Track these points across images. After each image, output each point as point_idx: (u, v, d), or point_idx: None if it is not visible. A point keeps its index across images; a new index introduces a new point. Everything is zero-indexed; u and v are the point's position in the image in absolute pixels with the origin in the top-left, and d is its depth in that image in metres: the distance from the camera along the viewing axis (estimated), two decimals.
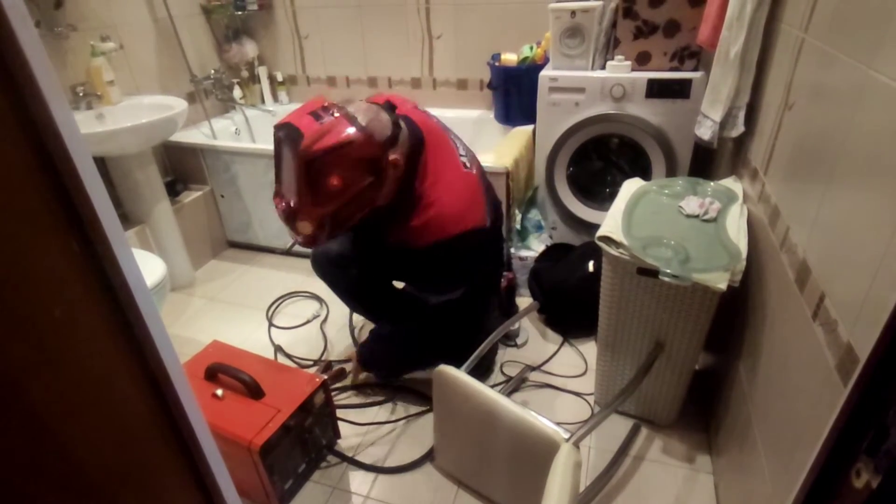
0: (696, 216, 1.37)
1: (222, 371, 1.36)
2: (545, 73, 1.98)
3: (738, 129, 1.45)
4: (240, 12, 2.61)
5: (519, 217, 2.12)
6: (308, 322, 2.06)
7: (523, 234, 2.13)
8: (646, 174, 1.99)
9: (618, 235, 1.29)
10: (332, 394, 1.55)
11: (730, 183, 1.48)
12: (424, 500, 1.37)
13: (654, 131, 1.90)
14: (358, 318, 2.02)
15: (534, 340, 1.89)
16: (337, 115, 1.23)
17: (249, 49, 2.72)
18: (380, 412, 1.63)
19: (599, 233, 1.31)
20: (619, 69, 1.88)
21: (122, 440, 0.53)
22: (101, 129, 1.83)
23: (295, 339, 1.98)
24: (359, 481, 1.43)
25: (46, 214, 0.44)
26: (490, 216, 1.46)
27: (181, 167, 2.44)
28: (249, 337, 1.99)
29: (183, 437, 0.59)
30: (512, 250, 2.08)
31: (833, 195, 0.85)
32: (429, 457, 1.47)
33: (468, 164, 1.46)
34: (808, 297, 0.89)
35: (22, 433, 0.44)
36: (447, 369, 1.28)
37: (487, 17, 2.38)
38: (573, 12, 1.89)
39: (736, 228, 1.28)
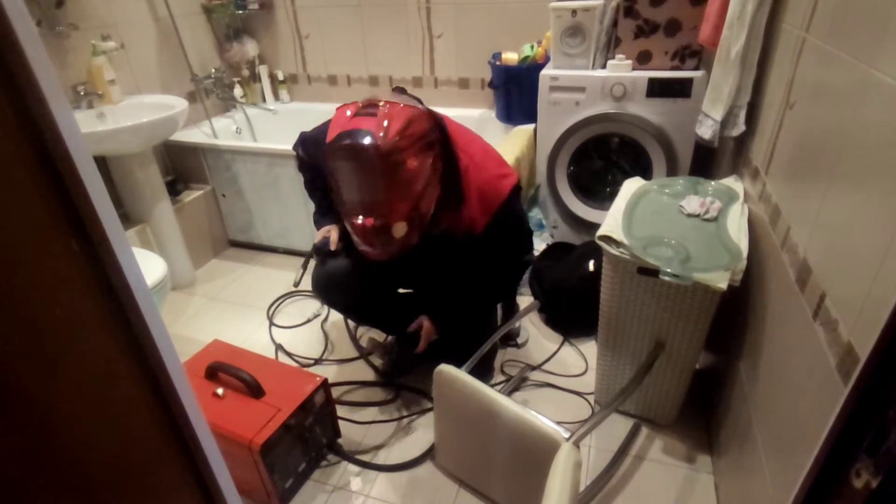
0: (697, 215, 1.36)
1: (223, 370, 1.36)
2: (546, 72, 1.98)
3: (739, 128, 1.44)
4: (240, 11, 2.62)
5: None
6: (309, 321, 2.06)
7: None
8: (646, 173, 1.99)
9: (618, 235, 1.29)
10: (333, 392, 1.55)
11: (731, 182, 1.48)
12: (425, 499, 1.37)
13: (654, 130, 1.90)
14: None
15: (534, 340, 1.89)
16: (382, 102, 1.23)
17: (250, 48, 2.72)
18: (380, 411, 1.64)
19: (600, 232, 1.31)
20: (620, 68, 1.88)
21: (123, 439, 0.53)
22: (102, 129, 1.83)
23: (296, 338, 1.98)
24: (359, 480, 1.43)
25: (47, 214, 0.44)
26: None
27: (182, 166, 2.44)
28: (250, 336, 2.00)
29: (183, 436, 0.59)
30: None
31: (834, 195, 0.85)
32: (429, 456, 1.47)
33: None
34: (808, 297, 0.89)
35: (22, 433, 0.44)
36: (447, 369, 1.28)
37: (488, 16, 2.37)
38: (574, 11, 1.89)
39: (737, 228, 1.28)
